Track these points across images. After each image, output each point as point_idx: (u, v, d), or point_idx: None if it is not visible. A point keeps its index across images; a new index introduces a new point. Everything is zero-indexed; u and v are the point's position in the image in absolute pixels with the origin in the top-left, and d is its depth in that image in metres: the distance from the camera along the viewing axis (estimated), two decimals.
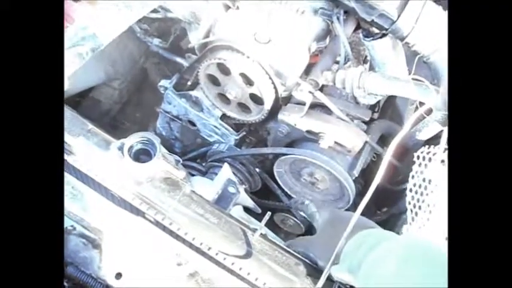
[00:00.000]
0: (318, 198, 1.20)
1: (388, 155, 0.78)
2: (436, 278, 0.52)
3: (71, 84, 1.17)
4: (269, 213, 0.78)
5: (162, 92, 1.33)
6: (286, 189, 1.23)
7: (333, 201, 1.18)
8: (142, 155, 0.79)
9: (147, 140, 0.79)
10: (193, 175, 1.39)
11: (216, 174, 1.25)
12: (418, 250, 0.60)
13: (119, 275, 0.75)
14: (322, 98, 1.06)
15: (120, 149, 0.77)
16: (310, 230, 1.41)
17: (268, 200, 1.30)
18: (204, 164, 1.38)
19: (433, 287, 0.52)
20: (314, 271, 0.77)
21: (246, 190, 1.36)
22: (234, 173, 1.33)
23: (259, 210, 1.14)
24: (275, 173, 1.20)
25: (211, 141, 1.38)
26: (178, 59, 1.46)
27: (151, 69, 1.79)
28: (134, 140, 0.77)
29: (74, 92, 1.54)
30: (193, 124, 1.37)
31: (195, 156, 1.45)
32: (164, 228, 0.78)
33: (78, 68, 0.94)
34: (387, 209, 1.32)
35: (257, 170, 1.31)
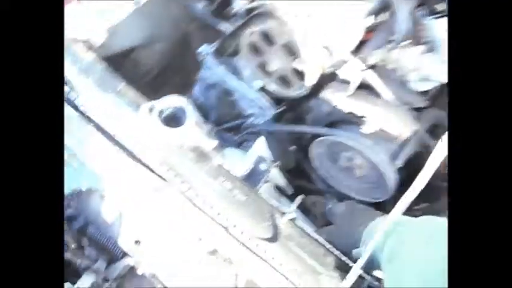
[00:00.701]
0: (354, 185, 1.12)
1: (441, 149, 0.69)
2: None
3: (110, 38, 1.14)
4: (302, 196, 0.72)
5: (202, 57, 1.28)
6: (321, 172, 1.16)
7: (370, 190, 1.10)
8: (172, 120, 0.75)
9: (178, 105, 0.74)
10: (226, 146, 1.35)
11: (250, 147, 1.20)
12: (436, 229, 0.63)
13: (137, 242, 0.72)
14: (372, 79, 0.97)
15: (151, 111, 0.72)
16: None
17: (300, 180, 1.24)
18: (238, 136, 1.33)
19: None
20: (343, 265, 0.71)
21: (279, 167, 1.30)
22: (268, 149, 1.27)
23: (291, 191, 1.08)
24: (311, 154, 1.13)
25: (248, 113, 1.33)
26: (222, 25, 1.39)
27: (194, 33, 1.73)
28: (166, 103, 0.73)
29: (113, 50, 1.52)
30: (231, 94, 1.32)
31: (230, 127, 1.40)
32: (189, 199, 0.74)
33: (119, 23, 0.90)
34: (428, 204, 1.23)
35: (293, 148, 1.25)
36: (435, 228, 0.64)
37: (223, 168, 0.75)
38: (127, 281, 0.71)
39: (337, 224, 0.87)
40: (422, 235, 0.64)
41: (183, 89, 1.78)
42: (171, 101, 0.73)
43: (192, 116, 0.72)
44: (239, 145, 1.31)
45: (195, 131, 0.74)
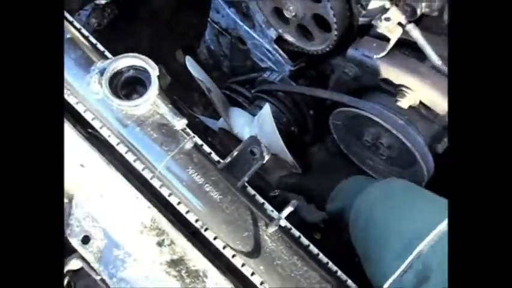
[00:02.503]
0: (379, 166, 0.92)
1: None
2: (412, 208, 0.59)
3: None
4: (294, 202, 0.53)
5: None
6: (341, 146, 0.96)
7: (397, 175, 0.89)
8: (133, 87, 0.56)
9: (141, 67, 0.55)
10: (238, 103, 1.16)
11: (261, 108, 1.01)
12: (401, 184, 0.70)
13: (86, 238, 0.58)
14: (417, 36, 0.72)
15: (101, 73, 0.54)
16: None
17: (316, 154, 1.05)
18: (252, 92, 1.14)
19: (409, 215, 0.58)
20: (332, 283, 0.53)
21: (292, 135, 1.11)
22: (282, 111, 1.08)
23: (300, 170, 0.90)
24: (330, 125, 0.92)
25: (262, 66, 1.12)
26: None
27: None
28: (121, 64, 0.54)
29: None
30: (244, 42, 1.10)
31: (244, 80, 1.20)
32: (152, 190, 0.58)
33: None
34: None
35: (311, 112, 1.05)
36: (394, 189, 0.67)
37: (197, 153, 0.57)
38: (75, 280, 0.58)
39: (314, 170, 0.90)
40: (382, 192, 0.66)
41: (201, 29, 1.58)
42: (129, 62, 0.54)
43: (155, 82, 0.53)
44: (251, 103, 1.13)
45: (161, 104, 0.55)
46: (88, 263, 0.57)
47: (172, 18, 1.67)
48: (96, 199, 0.58)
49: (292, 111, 1.07)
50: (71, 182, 0.59)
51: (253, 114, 1.05)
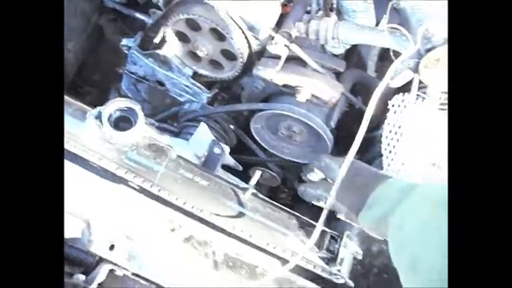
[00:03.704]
0: (296, 151, 1.21)
1: (372, 105, 0.79)
2: None
3: None
4: (259, 172, 0.78)
5: (126, 51, 1.26)
6: (263, 144, 1.23)
7: (310, 153, 1.20)
8: (122, 122, 0.76)
9: (126, 107, 0.75)
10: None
11: (191, 134, 1.22)
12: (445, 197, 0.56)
13: (112, 247, 0.74)
14: (297, 51, 1.04)
15: (98, 117, 0.73)
16: (285, 181, 1.44)
17: (245, 156, 1.30)
18: (176, 125, 1.35)
19: None
20: (306, 224, 0.79)
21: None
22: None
23: (241, 168, 1.14)
24: (252, 129, 1.19)
25: (182, 100, 1.34)
26: (138, 15, 1.36)
27: (107, 26, 1.67)
28: (113, 107, 0.73)
29: None
30: (162, 84, 1.32)
31: (166, 117, 1.41)
32: (154, 195, 0.77)
33: None
34: (359, 156, 1.36)
35: (232, 126, 1.30)
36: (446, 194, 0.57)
37: (181, 159, 0.78)
38: (109, 285, 0.72)
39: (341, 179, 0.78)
40: (434, 200, 0.59)
41: (106, 84, 1.73)
42: (118, 105, 0.74)
43: (141, 115, 0.74)
44: (178, 134, 1.33)
45: (147, 129, 0.76)
46: (116, 264, 0.73)
47: (75, 78, 1.78)
48: (111, 213, 0.75)
49: (216, 129, 1.31)
50: (85, 209, 0.75)
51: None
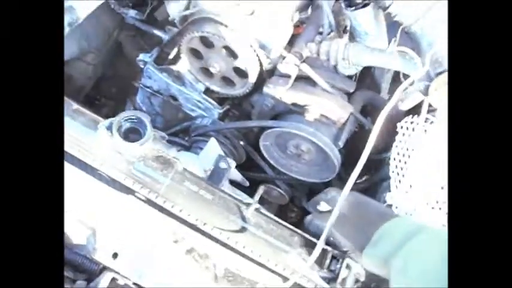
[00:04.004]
0: (304, 169, 1.22)
1: (378, 126, 0.79)
2: None
3: None
4: (262, 188, 0.79)
5: (142, 66, 1.29)
6: (271, 162, 1.24)
7: (318, 172, 1.20)
8: (131, 134, 0.78)
9: (136, 118, 0.77)
10: (177, 150, 1.38)
11: (201, 148, 1.24)
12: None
13: (115, 255, 0.75)
14: (308, 71, 1.06)
15: (109, 128, 0.75)
16: (293, 200, 1.44)
17: (252, 172, 1.31)
18: (187, 139, 1.37)
19: None
20: (308, 242, 0.79)
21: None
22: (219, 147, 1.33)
23: (247, 184, 1.15)
24: (261, 146, 1.21)
25: (194, 115, 1.37)
26: (156, 32, 1.41)
27: (126, 42, 1.72)
28: (123, 118, 0.76)
29: None
30: (175, 99, 1.35)
31: (178, 131, 1.43)
32: (159, 206, 0.78)
33: None
34: (368, 177, 1.36)
35: (241, 143, 1.32)
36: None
37: (187, 172, 0.80)
38: None
39: (346, 213, 0.78)
40: (439, 245, 0.58)
41: (122, 97, 1.78)
42: (128, 116, 0.76)
43: (150, 127, 0.76)
44: (189, 148, 1.35)
45: (156, 142, 0.77)
46: (118, 273, 0.74)
47: (92, 91, 1.83)
48: (116, 222, 0.76)
49: (225, 144, 1.33)
50: (91, 216, 0.77)
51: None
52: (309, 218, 0.90)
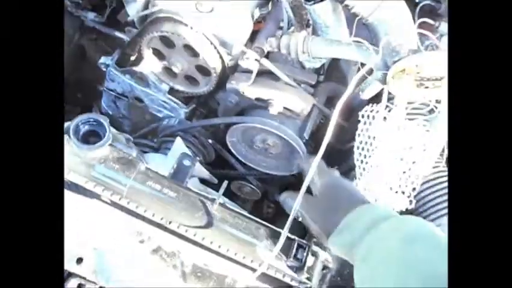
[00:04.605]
0: (272, 164, 1.23)
1: (335, 115, 0.81)
2: (438, 263, 0.51)
3: None
4: (226, 182, 0.80)
5: (104, 69, 1.28)
6: (240, 158, 1.25)
7: (285, 165, 1.21)
8: (91, 137, 0.77)
9: (94, 121, 0.76)
10: (145, 152, 1.37)
11: (169, 149, 1.24)
12: (423, 232, 0.59)
13: (80, 260, 0.74)
14: (269, 65, 1.07)
15: (66, 132, 0.74)
16: (265, 195, 1.45)
17: (223, 169, 1.31)
18: (155, 140, 1.36)
19: (433, 270, 0.51)
20: (274, 233, 0.80)
21: (200, 162, 1.36)
22: (187, 146, 1.33)
23: (216, 181, 1.16)
24: (228, 143, 1.21)
25: (160, 116, 1.36)
26: (118, 34, 1.39)
27: (88, 45, 1.70)
28: (80, 121, 0.75)
29: None
30: (141, 100, 1.34)
31: (146, 132, 1.42)
32: (122, 207, 0.78)
33: None
34: (337, 167, 1.38)
35: (210, 141, 1.32)
36: (416, 229, 0.60)
37: (150, 171, 0.79)
38: None
39: (317, 195, 0.78)
40: (402, 235, 0.59)
41: (88, 103, 1.75)
42: (85, 119, 0.75)
43: (109, 129, 0.75)
44: (158, 149, 1.34)
45: (116, 143, 0.77)
46: (84, 278, 0.74)
47: None
48: (79, 227, 0.76)
49: (194, 144, 1.33)
50: None
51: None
52: (283, 196, 0.87)
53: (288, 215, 0.89)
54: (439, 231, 0.60)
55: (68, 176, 0.76)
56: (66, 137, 0.74)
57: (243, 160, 1.25)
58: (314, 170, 0.78)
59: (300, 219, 0.81)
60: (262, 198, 1.44)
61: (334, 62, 1.36)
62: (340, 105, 0.81)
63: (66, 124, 0.76)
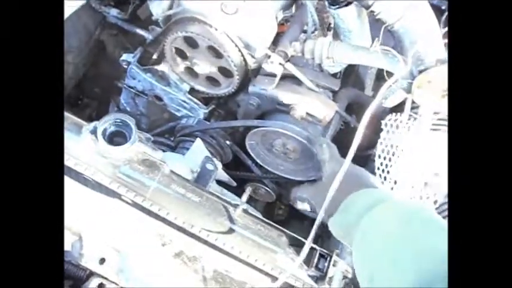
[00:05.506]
0: (290, 168, 1.22)
1: (363, 124, 0.80)
2: (434, 239, 0.52)
3: None
4: (249, 188, 0.79)
5: (125, 66, 1.28)
6: (258, 161, 1.24)
7: (305, 170, 1.20)
8: (116, 137, 0.77)
9: (121, 122, 0.76)
10: (163, 151, 1.37)
11: (187, 149, 1.23)
12: (421, 214, 0.59)
13: (102, 260, 0.74)
14: (293, 70, 1.06)
15: (93, 132, 0.74)
16: (280, 197, 1.44)
17: (240, 172, 1.31)
18: (172, 139, 1.36)
19: (430, 246, 0.52)
20: (296, 241, 0.80)
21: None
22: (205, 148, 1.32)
23: (235, 184, 1.15)
24: (247, 146, 1.20)
25: (179, 115, 1.36)
26: (139, 31, 1.39)
27: (108, 41, 1.70)
28: (108, 122, 0.75)
29: None
30: (160, 99, 1.34)
31: (163, 131, 1.42)
32: (145, 210, 0.77)
33: None
34: None
35: (228, 142, 1.31)
36: (414, 210, 0.61)
37: (173, 174, 0.79)
38: None
39: (325, 182, 0.79)
40: (400, 214, 0.60)
41: (106, 97, 1.75)
42: (113, 119, 0.75)
43: (135, 130, 0.75)
44: (174, 148, 1.34)
45: (141, 145, 0.77)
46: (106, 278, 0.74)
47: (73, 91, 1.80)
48: (103, 226, 0.76)
49: (212, 144, 1.32)
50: (77, 222, 0.76)
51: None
52: (294, 190, 0.87)
53: (300, 215, 0.89)
54: (437, 215, 0.60)
55: (94, 176, 0.76)
56: (92, 136, 0.74)
57: (260, 163, 1.25)
58: (341, 175, 0.76)
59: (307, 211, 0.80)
60: (274, 200, 1.44)
61: (351, 67, 1.34)
62: (368, 114, 0.80)
63: (92, 124, 0.76)
